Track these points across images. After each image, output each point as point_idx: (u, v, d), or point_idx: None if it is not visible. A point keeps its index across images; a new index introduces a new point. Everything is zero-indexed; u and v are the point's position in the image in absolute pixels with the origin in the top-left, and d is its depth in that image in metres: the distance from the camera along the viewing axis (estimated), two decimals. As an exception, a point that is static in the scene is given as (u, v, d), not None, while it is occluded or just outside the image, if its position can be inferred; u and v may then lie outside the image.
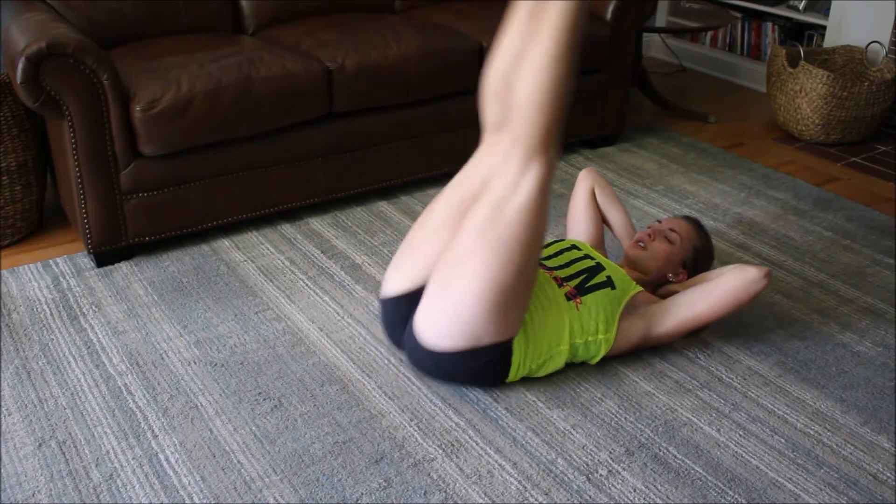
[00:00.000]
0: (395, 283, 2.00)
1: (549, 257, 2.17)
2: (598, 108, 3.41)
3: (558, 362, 2.04)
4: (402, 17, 3.25)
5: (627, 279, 2.13)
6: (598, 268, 2.12)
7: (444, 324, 1.88)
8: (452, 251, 1.87)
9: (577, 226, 2.46)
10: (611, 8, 3.27)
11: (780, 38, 4.30)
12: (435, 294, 1.89)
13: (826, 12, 4.02)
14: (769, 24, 4.35)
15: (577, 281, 2.07)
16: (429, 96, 2.95)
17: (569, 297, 2.03)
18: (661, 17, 4.64)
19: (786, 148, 3.64)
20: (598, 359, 2.09)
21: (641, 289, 2.15)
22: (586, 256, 2.17)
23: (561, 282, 2.06)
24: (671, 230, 2.29)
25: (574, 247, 2.22)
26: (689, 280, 2.26)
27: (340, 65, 2.72)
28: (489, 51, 3.01)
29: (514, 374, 1.99)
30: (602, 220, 2.48)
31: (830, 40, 3.96)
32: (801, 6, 4.12)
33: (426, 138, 3.02)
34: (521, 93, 1.80)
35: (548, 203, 1.86)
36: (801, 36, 4.21)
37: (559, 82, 1.77)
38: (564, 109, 1.82)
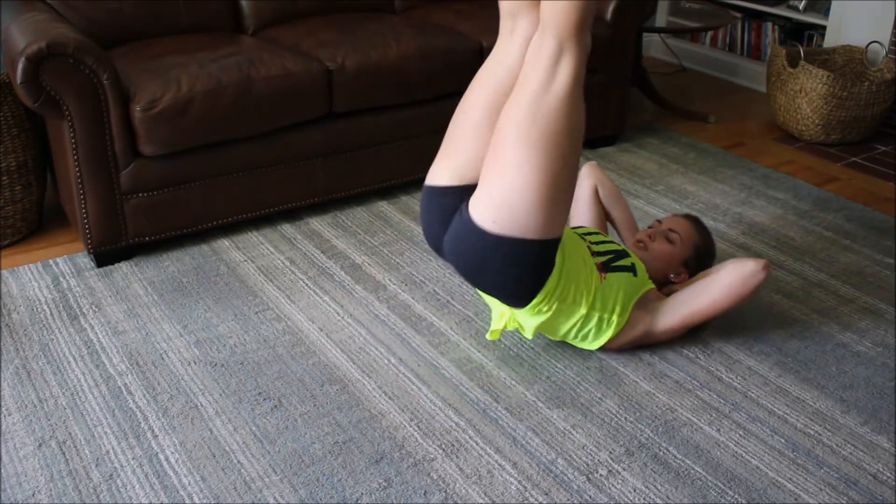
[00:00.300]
0: (440, 177, 1.99)
1: (583, 234, 2.19)
2: (598, 108, 3.41)
3: (573, 319, 2.04)
4: (402, 17, 3.25)
5: (646, 272, 2.16)
6: (625, 253, 2.15)
7: (498, 206, 1.85)
8: (499, 148, 1.85)
9: (580, 223, 2.46)
10: (611, 8, 3.27)
11: (780, 38, 4.30)
12: (489, 183, 1.88)
13: (826, 12, 4.02)
14: (769, 24, 4.35)
15: (604, 258, 2.09)
16: (429, 96, 2.95)
17: (597, 269, 2.06)
18: (661, 17, 4.64)
19: (786, 148, 3.64)
20: (599, 343, 2.09)
21: (654, 286, 2.17)
22: (612, 241, 2.20)
23: (592, 254, 2.09)
24: (671, 230, 2.29)
25: (598, 232, 2.26)
26: (690, 279, 2.27)
27: (340, 65, 2.72)
28: (489, 50, 3.01)
29: (544, 293, 1.96)
30: (605, 217, 2.48)
31: (830, 40, 3.96)
32: (801, 6, 4.12)
33: (426, 138, 3.02)
34: None
35: (582, 89, 1.85)
36: (801, 36, 4.21)
37: None
38: None
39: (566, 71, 1.81)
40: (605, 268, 2.07)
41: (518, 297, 1.98)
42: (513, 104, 1.84)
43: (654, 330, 2.13)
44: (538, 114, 1.80)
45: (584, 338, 2.10)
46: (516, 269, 1.91)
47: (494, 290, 1.99)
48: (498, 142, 1.85)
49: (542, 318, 2.01)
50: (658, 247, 2.27)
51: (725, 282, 2.10)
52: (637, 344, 2.15)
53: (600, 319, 2.06)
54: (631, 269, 2.11)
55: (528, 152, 1.81)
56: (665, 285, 2.28)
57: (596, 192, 2.46)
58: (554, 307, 1.99)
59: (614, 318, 2.06)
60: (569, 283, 1.98)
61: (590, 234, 2.21)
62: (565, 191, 1.89)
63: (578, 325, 2.06)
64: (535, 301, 1.97)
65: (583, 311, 2.02)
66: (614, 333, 2.08)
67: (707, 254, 2.32)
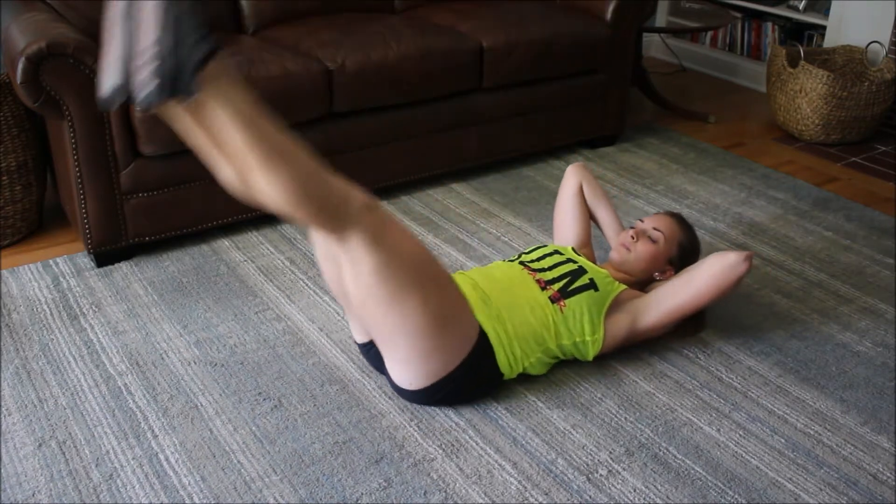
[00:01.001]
0: (357, 334, 2.05)
1: (533, 261, 2.17)
2: (598, 108, 3.41)
3: (553, 355, 2.06)
4: (402, 17, 3.25)
5: (609, 279, 2.13)
6: (581, 271, 2.11)
7: (409, 374, 1.90)
8: (370, 325, 1.87)
9: (565, 222, 2.45)
10: (611, 8, 3.27)
11: (780, 38, 4.30)
12: (385, 352, 1.92)
13: (826, 12, 4.02)
14: (769, 24, 4.35)
15: (560, 284, 2.07)
16: (429, 96, 2.95)
17: (553, 300, 2.03)
18: (661, 17, 4.64)
19: (786, 148, 3.64)
20: (589, 358, 2.09)
21: (625, 287, 2.15)
22: (569, 260, 2.16)
23: (545, 285, 2.06)
24: (655, 229, 2.28)
25: (556, 252, 2.21)
26: (675, 276, 2.26)
27: (340, 65, 2.72)
28: (489, 51, 3.01)
29: (509, 372, 1.99)
30: (590, 217, 2.47)
31: (830, 40, 3.96)
32: (801, 6, 4.12)
33: (426, 138, 3.02)
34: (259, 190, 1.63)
35: (394, 239, 1.76)
36: (801, 36, 4.21)
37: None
38: (317, 185, 1.65)
39: (359, 250, 1.72)
40: (563, 294, 2.05)
41: (488, 387, 2.01)
42: (349, 290, 1.81)
43: (638, 328, 2.11)
44: (370, 291, 1.76)
45: (576, 356, 2.11)
46: (467, 388, 1.96)
47: (470, 398, 2.01)
48: (364, 321, 1.88)
49: (527, 371, 2.04)
50: (642, 247, 2.25)
51: (707, 273, 2.09)
52: (627, 344, 2.15)
53: (575, 344, 2.06)
54: (590, 285, 2.07)
55: (388, 314, 1.80)
56: (650, 283, 2.28)
57: (580, 191, 2.45)
58: (525, 365, 2.02)
59: (587, 338, 2.05)
60: (523, 339, 1.98)
61: (541, 258, 2.18)
62: (450, 310, 1.86)
63: (561, 355, 2.07)
64: (505, 375, 2.00)
65: (552, 345, 2.03)
66: (597, 350, 2.07)
67: (692, 251, 2.31)
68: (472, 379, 1.93)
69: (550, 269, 2.12)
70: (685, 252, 2.29)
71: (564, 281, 2.08)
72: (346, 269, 1.77)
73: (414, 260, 1.79)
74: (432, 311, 1.81)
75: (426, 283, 1.81)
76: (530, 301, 2.02)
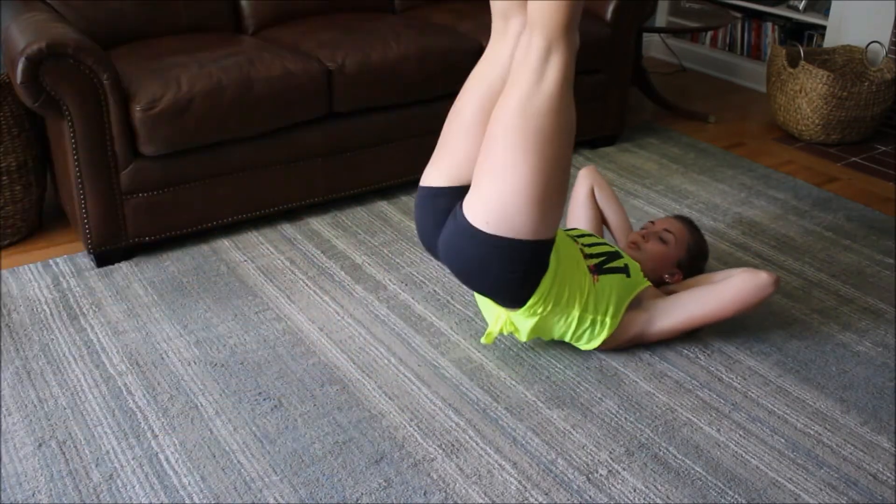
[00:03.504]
0: (434, 178, 2.00)
1: (576, 236, 2.18)
2: (598, 108, 3.41)
3: (567, 321, 2.04)
4: (402, 17, 3.25)
5: (640, 272, 2.16)
6: (618, 255, 2.15)
7: (491, 207, 1.85)
8: (491, 149, 1.85)
9: (577, 224, 2.46)
10: (611, 8, 3.27)
11: (780, 38, 4.30)
12: (481, 184, 1.88)
13: (826, 12, 4.02)
14: (769, 24, 4.35)
15: (597, 260, 2.09)
16: (429, 96, 2.95)
17: (591, 270, 2.06)
18: (661, 17, 4.64)
19: (786, 148, 3.64)
20: (594, 344, 2.09)
21: (649, 284, 2.17)
22: (605, 243, 2.20)
23: (585, 256, 2.08)
24: (665, 230, 2.29)
25: (591, 234, 2.26)
26: (687, 280, 2.27)
27: (340, 65, 2.72)
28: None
29: (539, 294, 1.96)
30: (601, 220, 2.48)
31: (830, 40, 3.96)
32: (801, 6, 4.12)
33: (426, 138, 3.01)
34: None
35: (572, 87, 1.85)
36: (801, 36, 4.21)
37: None
38: None
39: (555, 70, 1.80)
40: (597, 270, 2.07)
41: (513, 298, 1.98)
42: (502, 105, 1.84)
43: (652, 330, 2.13)
44: (528, 114, 1.80)
45: (579, 339, 2.10)
46: (511, 269, 1.91)
47: (490, 291, 1.99)
48: (489, 143, 1.85)
49: (537, 319, 2.01)
50: (652, 247, 2.27)
51: (739, 288, 2.09)
52: (634, 343, 2.15)
53: (593, 322, 2.06)
54: (624, 270, 2.11)
55: (518, 152, 1.81)
56: (660, 286, 2.29)
57: (592, 195, 2.47)
58: (549, 308, 1.99)
59: (607, 319, 2.06)
60: (563, 285, 1.98)
61: (582, 235, 2.21)
62: (558, 191, 1.88)
63: (573, 327, 2.06)
64: (530, 302, 1.97)
65: (576, 312, 2.03)
66: (609, 335, 2.08)
67: (700, 255, 2.33)
68: (525, 261, 1.90)
69: (591, 245, 2.15)
70: (693, 256, 2.30)
71: (602, 258, 2.10)
72: (524, 79, 1.81)
73: (571, 116, 1.85)
74: (557, 173, 1.83)
75: (568, 141, 1.85)
76: (577, 260, 2.04)
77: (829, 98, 3.51)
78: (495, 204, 1.85)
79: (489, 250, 1.88)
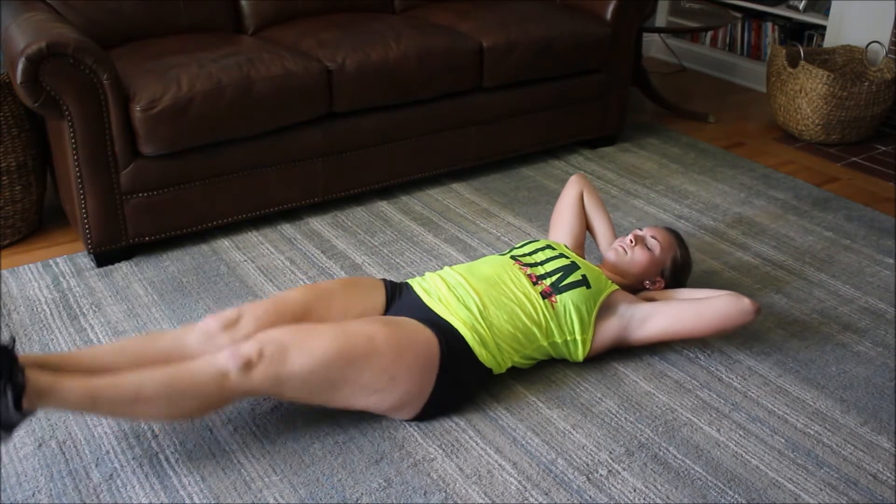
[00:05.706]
0: None
1: (525, 255, 2.17)
2: (598, 108, 3.41)
3: (544, 353, 2.07)
4: (402, 17, 3.25)
5: (603, 278, 2.13)
6: (573, 266, 2.11)
7: (401, 414, 1.91)
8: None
9: (562, 227, 2.45)
10: (611, 8, 3.27)
11: (780, 38, 4.30)
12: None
13: (826, 12, 4.02)
14: (769, 24, 4.35)
15: (552, 279, 2.07)
16: (429, 96, 2.95)
17: (544, 295, 2.04)
18: (661, 17, 4.64)
19: (786, 148, 3.64)
20: (578, 358, 2.09)
21: (617, 287, 2.15)
22: (561, 255, 2.16)
23: (536, 280, 2.07)
24: (652, 237, 2.29)
25: (549, 246, 2.21)
26: (667, 290, 2.26)
27: (340, 65, 2.72)
28: (489, 50, 3.01)
29: (497, 368, 1.99)
30: (586, 226, 2.48)
31: (830, 40, 3.96)
32: (801, 6, 4.12)
33: (426, 138, 3.02)
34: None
35: (298, 356, 1.76)
36: (801, 36, 4.21)
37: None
38: None
39: (273, 389, 1.77)
40: (555, 290, 2.05)
41: (484, 381, 2.03)
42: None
43: (630, 337, 2.11)
44: (312, 398, 1.83)
45: (563, 357, 2.11)
46: (459, 392, 1.97)
47: (463, 400, 2.02)
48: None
49: (518, 365, 2.05)
50: (638, 252, 2.25)
51: (720, 309, 2.06)
52: (615, 347, 2.14)
53: (566, 342, 2.06)
54: (583, 282, 2.07)
55: (343, 400, 1.84)
56: (639, 291, 2.27)
57: (581, 200, 2.46)
58: (517, 360, 2.03)
59: (577, 337, 2.05)
60: (514, 339, 1.99)
61: (535, 251, 2.18)
62: (387, 361, 1.82)
63: (551, 353, 2.08)
64: (496, 371, 2.00)
65: (544, 343, 2.03)
66: (585, 351, 2.08)
67: (684, 266, 2.31)
68: (457, 384, 1.93)
69: (543, 263, 2.13)
70: (677, 266, 2.29)
71: (557, 276, 2.08)
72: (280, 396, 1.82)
73: (328, 355, 1.77)
74: (370, 379, 1.81)
75: (354, 362, 1.79)
76: (520, 297, 2.02)
77: (829, 98, 3.51)
78: (395, 412, 1.90)
79: (433, 409, 1.93)
